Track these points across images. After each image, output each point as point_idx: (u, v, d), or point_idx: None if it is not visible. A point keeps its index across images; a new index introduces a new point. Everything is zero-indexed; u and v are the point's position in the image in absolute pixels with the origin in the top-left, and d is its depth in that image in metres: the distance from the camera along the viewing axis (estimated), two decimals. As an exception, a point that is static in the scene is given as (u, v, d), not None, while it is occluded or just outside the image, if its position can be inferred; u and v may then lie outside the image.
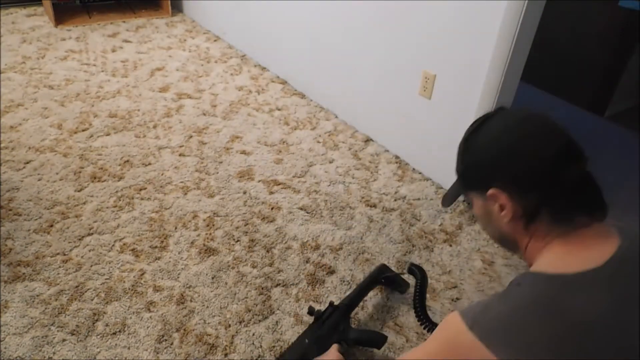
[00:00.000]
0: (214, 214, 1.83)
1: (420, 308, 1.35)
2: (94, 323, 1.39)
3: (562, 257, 0.80)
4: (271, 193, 1.97)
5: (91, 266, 1.57)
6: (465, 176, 0.95)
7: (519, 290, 0.78)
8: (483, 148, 0.88)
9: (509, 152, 0.84)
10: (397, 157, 2.25)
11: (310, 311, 1.35)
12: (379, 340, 1.34)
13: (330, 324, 1.32)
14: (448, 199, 1.01)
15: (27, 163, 2.02)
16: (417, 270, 1.42)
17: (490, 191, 0.85)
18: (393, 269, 1.64)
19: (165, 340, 1.36)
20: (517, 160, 0.83)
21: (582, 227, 0.81)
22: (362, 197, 1.98)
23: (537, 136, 0.84)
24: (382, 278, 1.50)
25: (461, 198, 1.94)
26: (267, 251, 1.68)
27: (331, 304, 1.38)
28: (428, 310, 1.41)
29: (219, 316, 1.45)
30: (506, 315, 0.75)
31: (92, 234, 1.70)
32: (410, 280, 1.53)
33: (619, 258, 0.76)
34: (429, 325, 1.33)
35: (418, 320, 1.35)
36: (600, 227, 0.82)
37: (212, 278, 1.57)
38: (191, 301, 1.48)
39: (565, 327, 0.71)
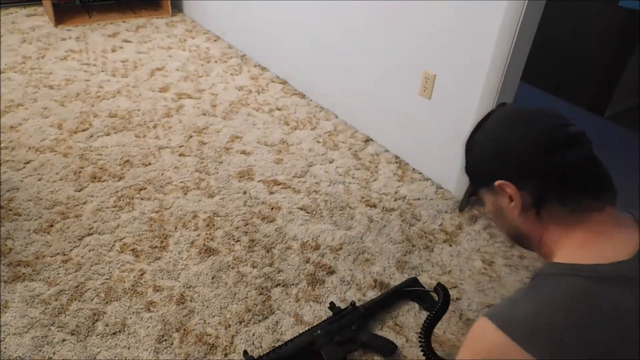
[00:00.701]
0: (214, 214, 1.83)
1: (426, 333, 1.30)
2: (94, 323, 1.39)
3: (586, 247, 0.79)
4: (271, 193, 1.97)
5: (91, 266, 1.57)
6: (472, 174, 0.97)
7: (551, 284, 0.75)
8: (484, 143, 0.91)
9: (506, 143, 0.86)
10: (397, 157, 2.25)
11: (331, 307, 1.43)
12: (389, 348, 1.36)
13: (344, 321, 1.38)
14: (462, 202, 1.03)
15: (27, 163, 2.02)
16: (441, 291, 1.40)
17: (497, 182, 0.87)
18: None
19: (165, 340, 1.36)
20: (515, 150, 0.85)
21: (595, 211, 0.81)
22: (362, 197, 1.98)
23: (532, 125, 0.86)
24: (407, 291, 1.52)
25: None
26: (267, 251, 1.68)
27: (352, 303, 1.43)
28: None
29: (219, 316, 1.45)
30: (540, 312, 0.71)
31: (92, 234, 1.70)
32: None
33: None
34: (428, 353, 1.27)
35: (419, 343, 1.30)
36: (616, 214, 0.82)
37: (212, 278, 1.57)
38: (191, 301, 1.48)
39: (605, 323, 0.69)
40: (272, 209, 1.88)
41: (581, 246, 0.79)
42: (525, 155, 0.84)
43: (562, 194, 0.83)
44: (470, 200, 1.01)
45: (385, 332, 1.43)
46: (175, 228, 1.75)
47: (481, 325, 0.75)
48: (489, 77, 1.74)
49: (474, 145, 0.94)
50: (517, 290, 0.81)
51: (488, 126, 0.92)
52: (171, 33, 3.48)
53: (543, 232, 0.86)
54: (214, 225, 1.78)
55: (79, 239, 1.67)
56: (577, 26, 2.95)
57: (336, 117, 2.55)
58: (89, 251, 1.63)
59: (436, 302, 1.39)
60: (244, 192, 1.96)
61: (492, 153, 0.89)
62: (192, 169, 2.07)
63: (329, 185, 2.03)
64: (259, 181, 2.03)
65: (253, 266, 1.62)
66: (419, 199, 2.00)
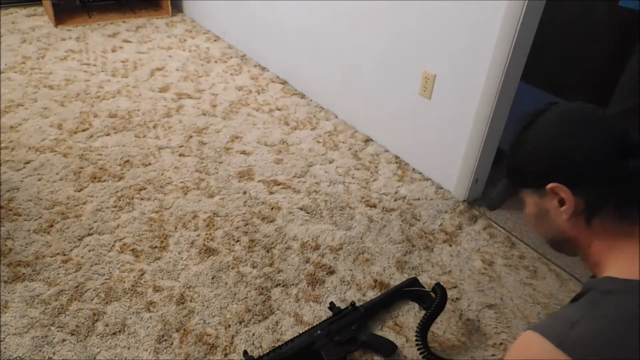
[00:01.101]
0: (214, 214, 1.83)
1: (421, 331, 1.32)
2: (94, 323, 1.39)
3: None
4: (271, 193, 1.97)
5: (91, 266, 1.57)
6: (520, 173, 0.90)
7: (614, 301, 0.72)
8: (539, 143, 0.85)
9: (568, 145, 0.81)
10: (397, 157, 2.25)
11: (331, 307, 1.43)
12: (388, 348, 1.36)
13: (344, 321, 1.39)
14: (496, 201, 0.97)
15: (27, 163, 2.02)
16: (438, 290, 1.41)
17: (551, 185, 0.81)
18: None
19: (165, 340, 1.36)
20: (579, 154, 0.80)
21: None
22: (362, 197, 1.98)
23: (600, 128, 0.80)
24: (407, 291, 1.52)
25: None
26: (267, 251, 1.68)
27: (352, 303, 1.44)
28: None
29: (219, 316, 1.45)
30: (601, 332, 0.69)
31: (92, 234, 1.70)
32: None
33: None
34: (425, 351, 1.29)
35: (415, 341, 1.32)
36: None
37: (212, 278, 1.57)
38: (191, 301, 1.48)
39: None
40: (272, 209, 1.88)
41: (636, 262, 0.76)
42: (591, 160, 0.78)
43: (621, 203, 0.79)
44: (506, 199, 0.94)
45: (385, 332, 1.43)
46: (175, 228, 1.75)
47: (532, 341, 0.72)
48: (489, 77, 1.74)
49: (525, 144, 0.87)
50: (569, 306, 0.77)
51: (544, 125, 0.85)
52: (171, 33, 3.48)
53: (592, 240, 0.82)
54: (214, 225, 1.78)
55: (79, 239, 1.67)
56: (577, 26, 2.95)
57: (336, 117, 2.55)
58: (89, 251, 1.63)
59: (435, 297, 1.40)
60: (244, 192, 1.96)
61: (550, 154, 0.83)
62: (192, 169, 2.07)
63: (329, 186, 2.03)
64: (259, 181, 2.03)
65: (253, 266, 1.62)
66: (419, 199, 2.00)
